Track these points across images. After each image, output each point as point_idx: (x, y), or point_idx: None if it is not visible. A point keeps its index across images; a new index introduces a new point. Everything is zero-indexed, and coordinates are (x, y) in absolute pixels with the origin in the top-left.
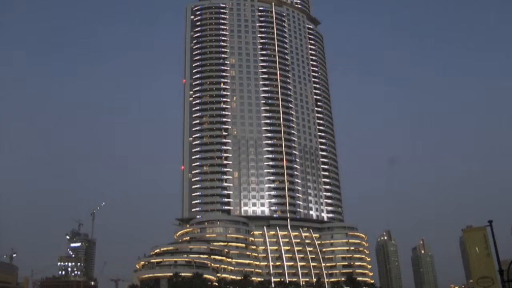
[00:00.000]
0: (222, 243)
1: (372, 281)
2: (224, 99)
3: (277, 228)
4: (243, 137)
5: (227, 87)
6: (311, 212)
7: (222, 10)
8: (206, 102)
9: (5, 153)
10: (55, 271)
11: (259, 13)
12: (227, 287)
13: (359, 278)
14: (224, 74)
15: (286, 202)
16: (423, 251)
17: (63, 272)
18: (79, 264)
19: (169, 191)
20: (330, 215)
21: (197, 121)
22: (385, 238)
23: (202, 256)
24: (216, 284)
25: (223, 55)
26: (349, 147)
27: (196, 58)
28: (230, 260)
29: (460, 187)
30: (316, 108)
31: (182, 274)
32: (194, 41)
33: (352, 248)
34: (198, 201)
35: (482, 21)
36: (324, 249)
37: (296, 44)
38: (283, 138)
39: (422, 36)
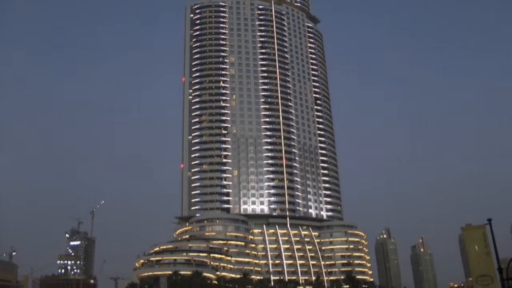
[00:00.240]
0: (221, 242)
1: (372, 280)
2: (224, 98)
3: (277, 226)
4: (242, 135)
5: (227, 85)
6: (310, 211)
7: (221, 9)
8: (206, 101)
9: (5, 153)
10: (55, 270)
11: (259, 12)
12: (227, 285)
13: (359, 277)
14: (223, 72)
15: (286, 200)
16: (422, 250)
17: (63, 271)
18: (78, 262)
19: (169, 189)
20: (330, 213)
21: (197, 119)
22: (385, 236)
23: (201, 254)
24: (216, 282)
25: (222, 54)
26: (349, 145)
27: (195, 56)
28: (229, 258)
29: (459, 186)
30: (315, 107)
31: (182, 272)
32: (193, 40)
33: (351, 246)
34: (197, 199)
35: (482, 21)
36: (323, 248)
37: (296, 42)
38: (282, 137)
39: (422, 36)
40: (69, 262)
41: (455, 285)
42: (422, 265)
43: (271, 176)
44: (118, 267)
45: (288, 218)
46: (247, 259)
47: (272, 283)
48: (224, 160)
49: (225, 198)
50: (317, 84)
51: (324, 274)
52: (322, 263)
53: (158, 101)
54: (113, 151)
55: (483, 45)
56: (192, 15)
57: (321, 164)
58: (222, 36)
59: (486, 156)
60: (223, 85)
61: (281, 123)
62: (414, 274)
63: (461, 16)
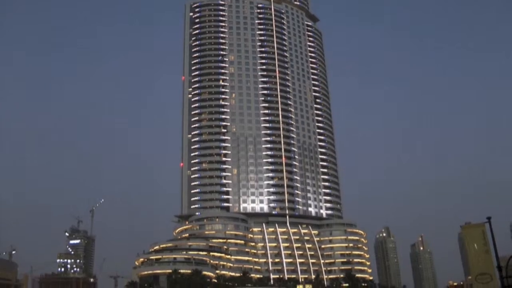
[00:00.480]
0: (221, 240)
1: (371, 278)
2: (223, 96)
3: (276, 225)
4: (242, 134)
5: (226, 84)
6: (310, 209)
7: (221, 7)
8: (205, 99)
9: (5, 153)
10: (55, 268)
11: (258, 10)
12: (226, 283)
13: (358, 275)
14: (223, 71)
15: (285, 199)
16: (421, 248)
17: (63, 269)
18: (78, 261)
19: (168, 188)
20: (329, 211)
21: (196, 118)
22: (384, 235)
23: (201, 253)
24: (215, 280)
25: (222, 52)
26: (348, 144)
27: (195, 55)
28: (229, 257)
29: (458, 185)
30: (315, 105)
31: (181, 270)
32: (193, 38)
33: (351, 244)
34: (197, 198)
35: (482, 21)
36: (323, 246)
37: (295, 41)
38: (282, 135)
39: (422, 36)
40: (68, 261)
41: (455, 283)
42: (421, 264)
43: (270, 174)
44: (118, 266)
45: (287, 217)
46: (246, 258)
47: (271, 281)
48: (224, 159)
49: (225, 196)
50: (316, 83)
51: (323, 273)
52: (322, 261)
53: (158, 100)
54: (113, 150)
55: (483, 45)
56: (191, 14)
57: (321, 163)
58: (222, 35)
59: (485, 155)
60: (222, 83)
61: (281, 122)
62: (413, 273)
63: (461, 16)
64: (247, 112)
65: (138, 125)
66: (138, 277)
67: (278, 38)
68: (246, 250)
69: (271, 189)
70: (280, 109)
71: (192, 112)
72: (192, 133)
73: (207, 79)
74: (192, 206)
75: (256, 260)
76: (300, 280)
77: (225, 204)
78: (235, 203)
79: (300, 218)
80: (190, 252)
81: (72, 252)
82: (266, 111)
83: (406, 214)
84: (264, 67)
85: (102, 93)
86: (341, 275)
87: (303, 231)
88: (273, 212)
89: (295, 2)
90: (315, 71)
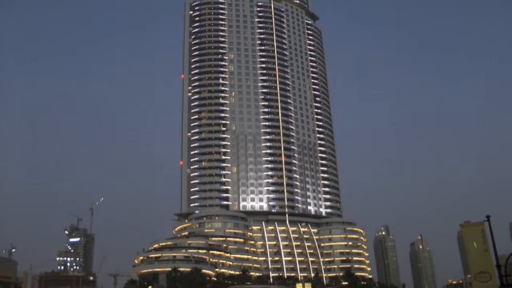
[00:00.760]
0: (220, 238)
1: (370, 276)
2: (223, 95)
3: (276, 223)
4: (241, 132)
5: (226, 82)
6: (309, 207)
7: (220, 6)
8: (205, 98)
9: (5, 151)
10: (54, 266)
11: (258, 9)
12: (226, 282)
13: (357, 273)
14: (222, 69)
15: (285, 197)
16: (421, 246)
17: (62, 267)
18: (78, 259)
19: (168, 186)
20: (329, 210)
21: (196, 116)
22: (383, 233)
23: (200, 251)
24: (215, 279)
25: (221, 51)
26: (348, 142)
27: (194, 53)
28: (228, 255)
29: (458, 183)
30: (314, 104)
31: (181, 269)
32: (192, 37)
33: (350, 243)
34: (196, 196)
35: (482, 21)
36: (322, 244)
37: (295, 39)
38: (281, 134)
39: (422, 35)
40: (68, 259)
41: (454, 282)
42: (421, 262)
43: (270, 173)
44: (118, 264)
45: (287, 215)
46: (246, 256)
47: (271, 279)
48: (223, 157)
49: (224, 195)
50: (316, 81)
51: (323, 271)
52: (321, 259)
53: (158, 98)
54: (112, 148)
55: (483, 45)
56: (191, 12)
57: (320, 161)
58: (221, 33)
59: (485, 154)
60: (222, 82)
61: (280, 120)
62: (412, 271)
63: (462, 16)
64: (246, 111)
65: (138, 123)
66: (138, 275)
67: (278, 37)
68: (246, 248)
69: (271, 188)
70: (279, 107)
71: (192, 111)
72: (192, 131)
73: (206, 77)
74: (192, 205)
75: (256, 258)
76: (299, 278)
77: (225, 203)
78: (234, 201)
79: (299, 216)
80: (190, 251)
81: (72, 250)
82: (266, 110)
83: (405, 213)
84: (263, 65)
85: (102, 91)
86: (341, 274)
87: (302, 229)
88: (273, 211)
89: (295, 1)
90: (314, 70)
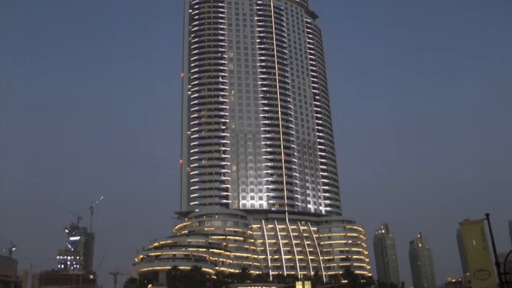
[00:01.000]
0: (220, 237)
1: (370, 274)
2: (222, 93)
3: (275, 221)
4: (241, 130)
5: (225, 81)
6: (309, 206)
7: (220, 4)
8: (204, 96)
9: (5, 151)
10: (55, 265)
11: (257, 7)
12: (226, 280)
13: (357, 271)
14: (222, 68)
15: (284, 195)
16: (420, 245)
17: (62, 266)
18: (78, 257)
19: (168, 185)
20: (328, 208)
21: (196, 115)
22: (383, 231)
23: (200, 249)
24: (215, 277)
25: (221, 49)
26: (347, 141)
27: (194, 52)
28: (228, 253)
29: (457, 182)
30: (314, 102)
31: (181, 267)
32: (192, 35)
33: (349, 241)
34: (196, 194)
35: (482, 21)
36: (322, 243)
37: (294, 38)
38: (281, 132)
39: (422, 35)
40: (68, 258)
41: (453, 280)
42: (420, 260)
43: (269, 171)
44: (118, 262)
45: (286, 213)
46: (246, 254)
47: (270, 278)
48: (223, 156)
49: (224, 193)
50: (315, 80)
51: (322, 269)
52: (321, 258)
53: (158, 96)
54: (112, 148)
55: (483, 45)
56: (190, 11)
57: (320, 160)
58: (221, 32)
59: (485, 154)
60: (221, 80)
61: (280, 119)
62: (412, 269)
63: (462, 16)
64: (246, 109)
65: (138, 123)
66: (138, 274)
67: (278, 35)
68: (245, 246)
69: (270, 186)
70: (279, 106)
71: (192, 109)
72: (192, 129)
73: (206, 75)
74: (192, 203)
75: (255, 256)
76: (299, 276)
77: (225, 201)
78: (234, 199)
79: (299, 214)
80: (190, 249)
81: (72, 249)
82: (266, 108)
83: (405, 211)
84: (263, 64)
85: (102, 90)
86: (340, 272)
87: (302, 227)
88: (272, 209)
89: None
90: (314, 68)
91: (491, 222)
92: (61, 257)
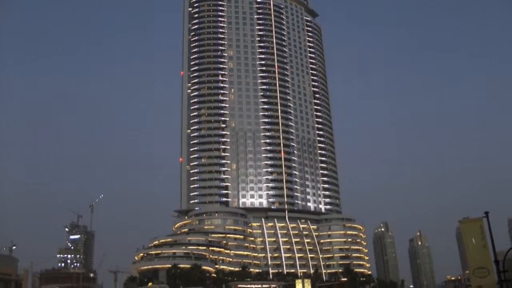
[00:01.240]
0: (220, 235)
1: (369, 272)
2: (222, 91)
3: (275, 219)
4: (241, 129)
5: (225, 79)
6: (308, 204)
7: (219, 2)
8: (204, 94)
9: (5, 150)
10: (55, 263)
11: (257, 5)
12: (226, 278)
13: (357, 269)
14: (222, 66)
15: (284, 194)
16: (420, 243)
17: (63, 264)
18: (78, 256)
19: (168, 183)
20: (328, 206)
21: (195, 113)
22: (383, 229)
23: (200, 247)
24: (215, 275)
25: (221, 47)
26: (347, 139)
27: (194, 50)
28: (228, 251)
29: (457, 180)
30: (314, 100)
31: (181, 265)
32: (192, 34)
33: (349, 239)
34: (196, 193)
35: (482, 21)
36: (321, 241)
37: (294, 36)
38: (281, 130)
39: (422, 35)
40: (69, 256)
41: (452, 278)
42: (419, 258)
43: (269, 169)
44: (118, 261)
45: (286, 212)
46: (245, 252)
47: (270, 276)
48: (223, 154)
49: (224, 191)
50: (315, 78)
51: (322, 267)
52: (321, 256)
53: (158, 98)
54: (112, 148)
55: (483, 45)
56: (190, 9)
57: (320, 158)
58: (221, 30)
59: (485, 154)
60: (221, 79)
61: (280, 117)
62: (411, 267)
63: (462, 16)
64: (246, 107)
65: (138, 123)
66: (138, 272)
67: (277, 33)
68: (245, 244)
69: (270, 184)
70: (279, 104)
71: (191, 107)
72: (191, 128)
73: (206, 74)
74: (192, 201)
75: (255, 254)
76: (299, 274)
77: (224, 199)
78: (234, 198)
79: (299, 213)
80: (190, 247)
81: (72, 247)
82: (265, 106)
83: (404, 210)
84: (263, 62)
85: (102, 89)
86: (340, 270)
87: (302, 226)
88: (272, 207)
89: None
90: (314, 66)
91: (490, 220)
92: (61, 255)
